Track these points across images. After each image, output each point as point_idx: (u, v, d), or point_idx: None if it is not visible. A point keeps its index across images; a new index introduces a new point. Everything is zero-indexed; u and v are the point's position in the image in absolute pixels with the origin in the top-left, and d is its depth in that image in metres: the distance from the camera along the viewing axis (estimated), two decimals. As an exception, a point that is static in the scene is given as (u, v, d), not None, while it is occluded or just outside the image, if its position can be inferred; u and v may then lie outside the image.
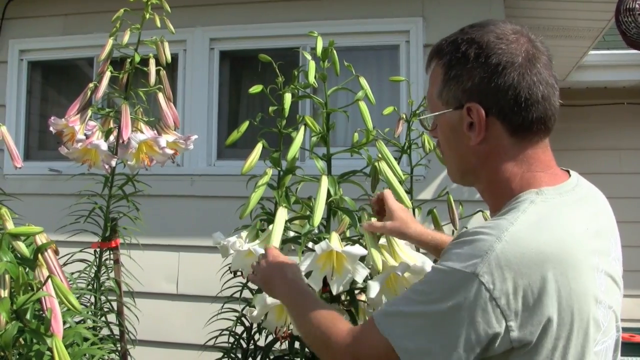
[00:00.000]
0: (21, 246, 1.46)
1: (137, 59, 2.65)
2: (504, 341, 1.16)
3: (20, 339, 1.58)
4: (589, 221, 1.31)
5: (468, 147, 1.34)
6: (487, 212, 2.38)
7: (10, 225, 1.52)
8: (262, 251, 1.89)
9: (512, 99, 1.28)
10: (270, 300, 1.88)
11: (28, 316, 1.55)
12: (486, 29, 1.34)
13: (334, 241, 1.85)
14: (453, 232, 2.55)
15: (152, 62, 2.68)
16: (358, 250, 1.83)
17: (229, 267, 2.14)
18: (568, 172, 1.41)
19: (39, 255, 1.49)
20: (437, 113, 1.40)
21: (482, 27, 1.35)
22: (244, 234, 2.11)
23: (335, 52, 2.17)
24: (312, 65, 2.16)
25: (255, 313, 1.93)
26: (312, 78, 2.13)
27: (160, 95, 2.69)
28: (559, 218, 1.25)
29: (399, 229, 1.81)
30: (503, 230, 1.18)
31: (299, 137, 2.08)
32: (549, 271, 1.16)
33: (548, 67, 1.34)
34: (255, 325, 2.48)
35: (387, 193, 1.87)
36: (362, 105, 2.17)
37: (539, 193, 1.27)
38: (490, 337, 1.15)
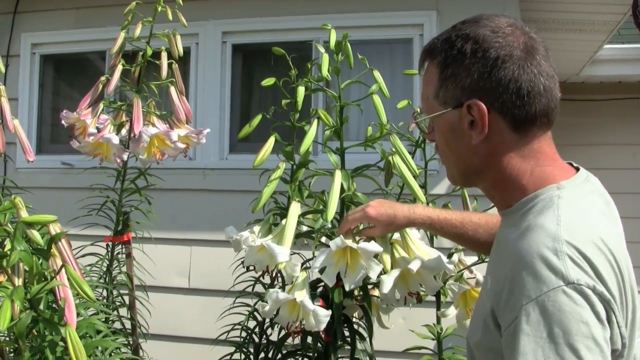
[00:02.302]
0: (35, 235, 1.45)
1: (149, 52, 2.63)
2: (616, 339, 1.12)
3: (34, 331, 1.58)
4: (607, 211, 1.30)
5: (470, 147, 1.31)
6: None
7: (24, 214, 1.51)
8: (275, 246, 1.89)
9: (514, 93, 1.24)
10: (282, 295, 1.87)
11: (42, 307, 1.54)
12: (480, 23, 1.30)
13: (349, 238, 1.84)
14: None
15: (164, 55, 2.67)
16: (373, 246, 1.81)
17: (242, 262, 2.12)
18: (571, 164, 1.38)
19: (53, 245, 1.48)
20: (435, 114, 1.36)
21: (475, 22, 1.31)
22: (256, 228, 2.10)
23: (349, 45, 2.16)
24: (325, 58, 2.14)
25: (267, 308, 1.91)
26: (325, 71, 2.12)
27: (173, 89, 2.68)
28: (590, 211, 1.24)
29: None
30: (558, 236, 1.14)
31: (312, 131, 2.07)
32: (612, 260, 1.15)
33: (547, 58, 1.30)
34: (267, 320, 2.47)
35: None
36: (376, 98, 2.15)
37: (560, 187, 1.25)
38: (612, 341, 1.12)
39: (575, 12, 4.86)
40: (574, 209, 1.20)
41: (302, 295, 1.86)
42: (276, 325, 2.38)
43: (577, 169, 1.36)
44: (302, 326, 1.91)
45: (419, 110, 2.68)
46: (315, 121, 2.10)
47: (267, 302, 1.92)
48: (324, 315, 1.85)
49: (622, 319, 1.13)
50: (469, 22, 1.32)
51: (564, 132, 6.22)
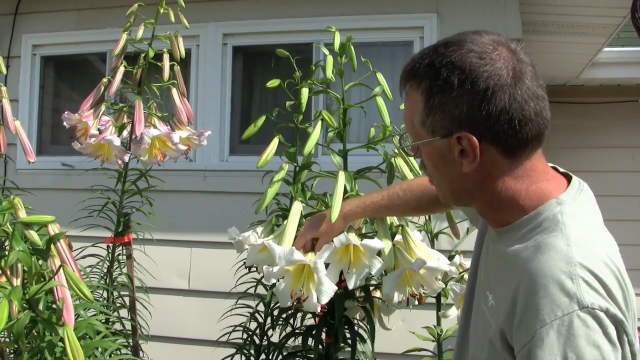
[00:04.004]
0: (34, 235, 1.45)
1: (151, 54, 2.64)
2: (627, 356, 1.13)
3: (34, 331, 1.58)
4: (600, 218, 1.31)
5: (461, 173, 1.28)
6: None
7: (22, 214, 1.52)
8: (275, 246, 1.88)
9: (505, 123, 1.21)
10: (297, 255, 1.82)
11: (41, 307, 1.55)
12: (465, 47, 1.23)
13: (352, 235, 1.84)
14: (468, 229, 2.53)
15: (165, 57, 2.67)
16: (376, 243, 1.82)
17: (243, 263, 2.13)
18: (555, 168, 1.37)
19: (52, 245, 1.48)
20: (422, 141, 1.32)
21: (458, 45, 1.24)
22: (259, 229, 2.11)
23: (352, 47, 2.16)
24: (329, 60, 2.15)
25: (275, 269, 1.83)
26: (330, 73, 2.12)
27: (174, 91, 2.68)
28: (593, 226, 1.25)
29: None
30: (571, 258, 1.14)
31: (316, 132, 2.07)
32: (619, 278, 1.17)
33: (534, 78, 1.25)
34: (268, 321, 2.48)
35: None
36: (380, 100, 2.15)
37: (560, 202, 1.25)
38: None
39: (575, 15, 4.86)
40: (579, 226, 1.21)
41: (314, 258, 1.83)
42: (277, 327, 2.39)
43: (566, 176, 1.35)
44: (305, 297, 1.86)
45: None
46: (319, 123, 2.11)
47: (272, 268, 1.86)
48: (330, 287, 1.81)
49: (633, 336, 1.13)
50: (452, 44, 1.25)
51: (564, 134, 6.24)
